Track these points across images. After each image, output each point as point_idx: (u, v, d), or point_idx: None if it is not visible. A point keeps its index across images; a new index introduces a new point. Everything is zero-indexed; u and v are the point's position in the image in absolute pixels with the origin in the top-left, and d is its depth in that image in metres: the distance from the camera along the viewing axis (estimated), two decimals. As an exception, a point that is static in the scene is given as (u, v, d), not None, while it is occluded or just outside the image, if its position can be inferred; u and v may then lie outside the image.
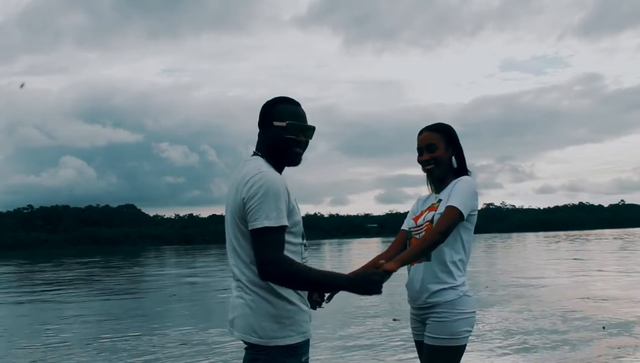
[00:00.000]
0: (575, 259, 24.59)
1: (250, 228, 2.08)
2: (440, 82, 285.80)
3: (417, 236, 2.74)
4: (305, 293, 2.25)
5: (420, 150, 2.83)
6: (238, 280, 2.18)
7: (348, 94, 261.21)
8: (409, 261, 2.55)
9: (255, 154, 2.28)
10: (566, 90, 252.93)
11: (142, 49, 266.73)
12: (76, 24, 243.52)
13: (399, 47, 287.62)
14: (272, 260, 2.05)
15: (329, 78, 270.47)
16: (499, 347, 7.04)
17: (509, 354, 6.69)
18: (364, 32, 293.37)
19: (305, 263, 2.22)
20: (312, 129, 2.32)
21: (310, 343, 2.27)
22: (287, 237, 2.13)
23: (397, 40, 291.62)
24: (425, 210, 2.80)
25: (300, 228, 2.23)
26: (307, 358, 2.23)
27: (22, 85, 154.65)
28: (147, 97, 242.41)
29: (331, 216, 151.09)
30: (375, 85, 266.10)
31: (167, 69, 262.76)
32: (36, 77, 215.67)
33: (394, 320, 9.09)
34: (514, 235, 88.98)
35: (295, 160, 2.28)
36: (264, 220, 2.04)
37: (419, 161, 2.84)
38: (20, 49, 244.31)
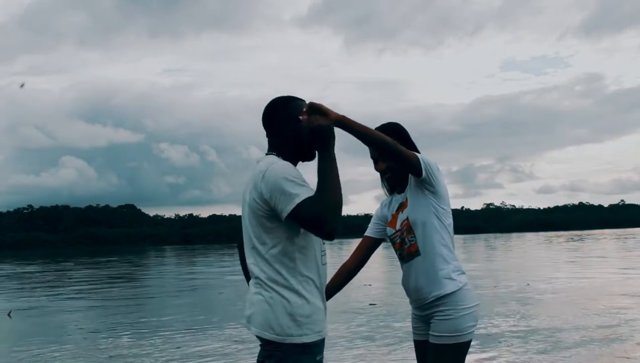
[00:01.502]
0: (598, 257, 24.88)
1: (285, 217, 2.10)
2: (441, 82, 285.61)
3: (399, 240, 2.73)
4: (323, 291, 2.25)
5: (374, 158, 2.77)
6: (257, 277, 2.20)
7: (349, 94, 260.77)
8: (351, 125, 2.36)
9: (269, 153, 2.30)
10: (566, 90, 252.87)
11: (142, 49, 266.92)
12: (76, 24, 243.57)
13: (399, 47, 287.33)
14: (314, 221, 2.06)
15: (329, 78, 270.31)
16: (551, 342, 7.19)
17: (551, 350, 6.79)
18: (364, 32, 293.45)
19: (323, 255, 2.27)
20: None
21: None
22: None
23: (398, 40, 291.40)
24: (397, 212, 2.76)
25: None
26: (322, 357, 2.23)
27: (22, 85, 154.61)
28: (147, 97, 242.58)
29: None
30: (376, 85, 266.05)
31: (167, 69, 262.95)
32: (36, 77, 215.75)
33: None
34: (514, 235, 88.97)
35: (314, 154, 2.27)
36: (296, 200, 2.06)
37: (376, 170, 2.79)
38: (21, 49, 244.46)
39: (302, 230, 2.15)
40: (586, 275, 16.53)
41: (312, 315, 2.18)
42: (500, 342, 7.26)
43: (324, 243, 2.29)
